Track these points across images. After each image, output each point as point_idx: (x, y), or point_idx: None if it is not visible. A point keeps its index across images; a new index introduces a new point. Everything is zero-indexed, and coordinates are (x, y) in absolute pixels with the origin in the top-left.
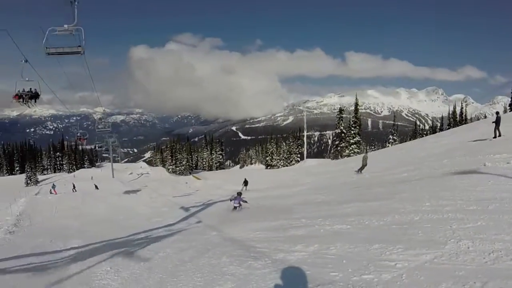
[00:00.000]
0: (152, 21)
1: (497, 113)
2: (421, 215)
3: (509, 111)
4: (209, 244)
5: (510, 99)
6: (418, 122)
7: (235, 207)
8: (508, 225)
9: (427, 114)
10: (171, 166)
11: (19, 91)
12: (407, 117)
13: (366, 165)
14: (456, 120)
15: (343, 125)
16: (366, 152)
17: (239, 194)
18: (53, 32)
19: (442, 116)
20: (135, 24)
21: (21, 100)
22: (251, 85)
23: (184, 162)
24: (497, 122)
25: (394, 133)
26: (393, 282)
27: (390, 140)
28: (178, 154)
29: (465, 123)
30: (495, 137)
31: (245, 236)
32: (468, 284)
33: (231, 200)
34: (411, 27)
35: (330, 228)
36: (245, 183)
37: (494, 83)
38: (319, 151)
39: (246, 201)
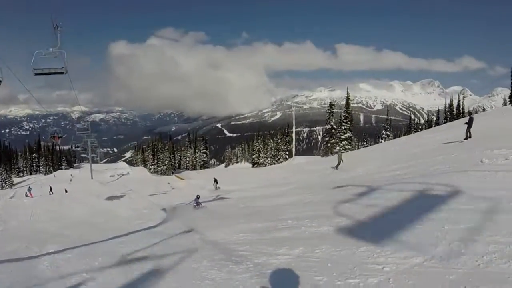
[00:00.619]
0: (133, 16)
1: (470, 113)
2: (412, 216)
3: (509, 104)
4: (190, 247)
5: (510, 91)
6: (412, 116)
7: (194, 206)
8: (505, 226)
9: (422, 108)
10: (152, 166)
11: None
12: (401, 111)
13: (341, 161)
14: (453, 113)
15: (333, 120)
16: (340, 150)
17: (198, 197)
18: (39, 56)
19: (438, 110)
20: (114, 19)
21: None
22: (237, 80)
23: (166, 162)
24: (469, 123)
25: (388, 128)
26: (380, 287)
27: (383, 136)
28: (160, 153)
29: (462, 117)
30: (466, 138)
31: (228, 239)
32: None
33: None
34: (405, 16)
35: (316, 230)
36: (216, 181)
37: (494, 74)
38: (308, 148)
39: (201, 203)
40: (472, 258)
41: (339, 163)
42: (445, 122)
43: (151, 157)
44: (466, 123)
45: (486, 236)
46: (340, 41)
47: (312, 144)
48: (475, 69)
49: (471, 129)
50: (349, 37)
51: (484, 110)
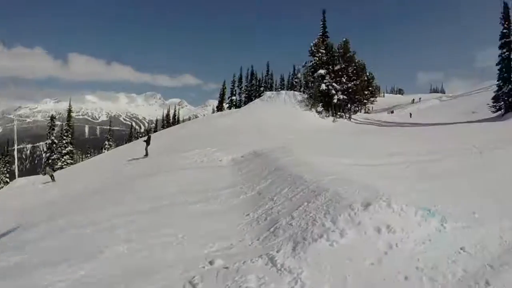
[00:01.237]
0: None
1: (148, 132)
2: (94, 226)
3: (217, 111)
4: None
5: (217, 102)
6: (134, 125)
7: None
8: (177, 218)
9: (144, 118)
10: None
11: None
12: (125, 121)
13: (52, 177)
14: (170, 121)
15: (54, 134)
16: (49, 167)
17: None
18: None
19: (157, 119)
20: None
21: None
22: None
23: None
24: (147, 141)
25: (110, 138)
26: None
27: (106, 146)
28: None
29: (178, 123)
30: (146, 155)
31: None
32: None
33: None
34: (134, 32)
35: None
36: None
37: (207, 89)
38: (32, 167)
39: None
40: (132, 255)
41: (52, 178)
42: (163, 129)
43: None
44: (144, 141)
45: (150, 231)
46: (73, 50)
47: (36, 161)
48: (193, 84)
49: (149, 147)
50: (82, 47)
51: (196, 117)
